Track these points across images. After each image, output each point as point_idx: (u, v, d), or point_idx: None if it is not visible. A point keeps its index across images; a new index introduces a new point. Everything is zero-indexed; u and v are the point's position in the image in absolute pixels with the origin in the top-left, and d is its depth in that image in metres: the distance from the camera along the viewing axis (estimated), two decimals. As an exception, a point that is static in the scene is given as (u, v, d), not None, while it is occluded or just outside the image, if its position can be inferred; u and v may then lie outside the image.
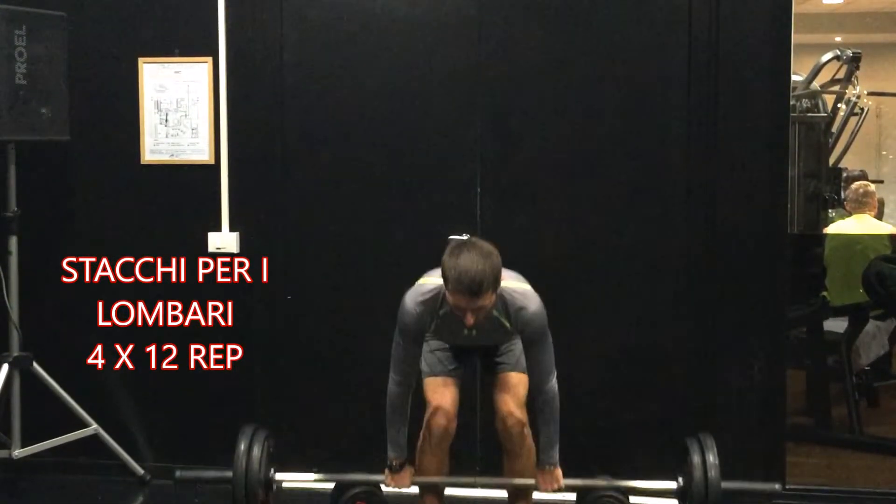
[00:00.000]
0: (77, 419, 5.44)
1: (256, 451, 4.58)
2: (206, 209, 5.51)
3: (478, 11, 5.32)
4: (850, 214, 6.57)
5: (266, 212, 5.52)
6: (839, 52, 6.79)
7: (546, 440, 4.43)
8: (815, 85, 6.80)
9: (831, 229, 6.49)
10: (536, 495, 4.66)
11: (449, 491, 4.73)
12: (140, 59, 5.53)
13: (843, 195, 6.72)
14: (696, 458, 4.50)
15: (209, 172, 5.50)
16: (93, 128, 5.55)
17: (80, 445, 5.47)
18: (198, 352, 5.59)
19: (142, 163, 5.57)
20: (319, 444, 5.55)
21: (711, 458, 4.48)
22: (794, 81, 5.65)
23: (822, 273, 6.20)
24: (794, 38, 5.09)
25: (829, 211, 6.66)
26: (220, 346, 5.56)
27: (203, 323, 5.58)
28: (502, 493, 4.78)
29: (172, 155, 5.54)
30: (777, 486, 4.78)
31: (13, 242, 5.34)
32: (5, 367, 5.27)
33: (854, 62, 6.75)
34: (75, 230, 5.67)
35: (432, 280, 4.28)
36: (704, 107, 5.18)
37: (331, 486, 4.92)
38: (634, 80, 5.28)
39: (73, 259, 5.67)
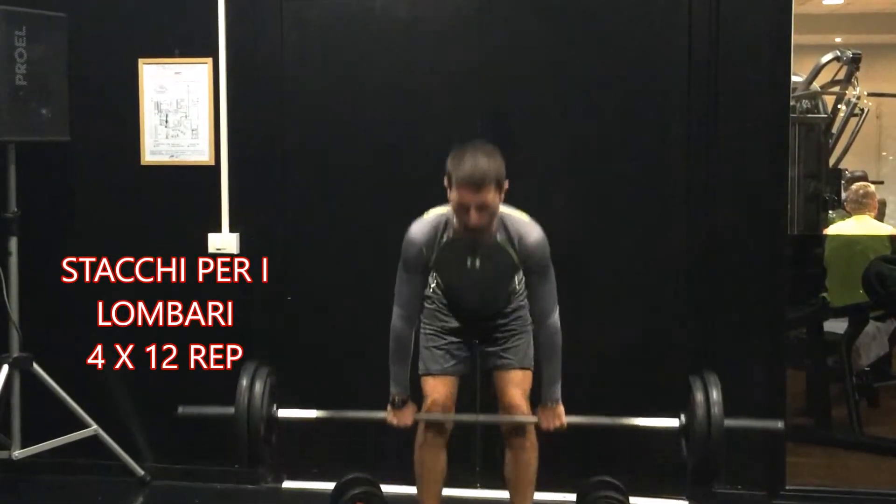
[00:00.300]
0: (77, 420, 5.44)
1: (258, 388, 4.53)
2: (206, 210, 5.51)
3: (478, 12, 5.32)
4: (850, 215, 6.59)
5: (266, 213, 5.52)
6: (839, 53, 6.82)
7: (548, 376, 4.41)
8: (816, 86, 6.83)
9: (831, 230, 6.51)
10: (537, 496, 4.65)
11: (448, 492, 4.72)
12: (140, 60, 5.53)
13: (843, 196, 6.74)
14: (699, 396, 4.39)
15: (209, 173, 5.50)
16: (93, 128, 5.55)
17: (79, 446, 5.46)
18: (198, 352, 5.60)
19: (142, 163, 5.57)
20: (320, 444, 5.55)
21: (715, 394, 4.35)
22: (795, 82, 5.67)
23: (822, 274, 6.23)
24: (795, 38, 5.09)
25: (830, 212, 6.68)
26: (220, 346, 5.56)
27: (203, 323, 5.58)
28: (503, 495, 4.77)
29: (172, 156, 5.54)
30: (780, 424, 4.65)
31: (13, 243, 5.33)
32: (5, 367, 5.27)
33: (854, 63, 6.77)
34: (75, 231, 5.67)
35: (436, 210, 4.31)
36: (704, 107, 5.18)
37: (330, 486, 4.92)
38: (634, 80, 5.29)
39: (73, 260, 5.67)
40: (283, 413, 4.67)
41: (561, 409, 4.42)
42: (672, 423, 4.57)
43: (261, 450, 4.58)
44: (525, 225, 4.24)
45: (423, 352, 4.55)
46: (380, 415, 4.52)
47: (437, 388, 4.49)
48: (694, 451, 4.44)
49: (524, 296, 4.52)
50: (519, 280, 4.48)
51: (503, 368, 4.52)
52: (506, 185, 4.11)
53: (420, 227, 4.28)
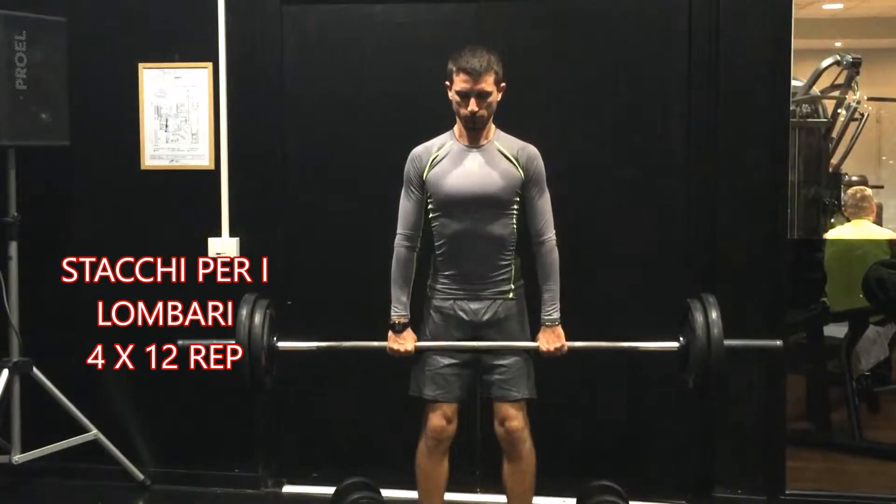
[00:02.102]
0: (77, 424, 5.45)
1: (258, 318, 4.53)
2: (206, 214, 5.51)
3: (477, 17, 5.32)
4: (849, 220, 6.58)
5: (266, 217, 5.52)
6: (839, 58, 6.81)
7: (547, 296, 4.49)
8: (815, 90, 6.82)
9: (830, 235, 6.50)
10: (538, 500, 4.65)
11: (448, 496, 4.72)
12: (140, 65, 5.53)
13: (843, 200, 6.73)
14: (699, 316, 4.39)
15: (209, 178, 5.50)
16: (93, 133, 5.55)
17: (79, 450, 5.47)
18: (197, 352, 5.59)
19: (142, 168, 5.57)
20: (321, 445, 5.56)
21: (714, 315, 4.36)
22: (794, 87, 5.67)
23: (822, 278, 6.22)
24: (794, 43, 5.09)
25: (831, 219, 6.67)
26: (220, 347, 5.56)
27: (203, 324, 5.58)
28: (503, 499, 4.76)
29: (172, 160, 5.54)
30: (779, 343, 4.63)
31: (13, 248, 5.34)
32: (5, 372, 5.27)
33: (854, 67, 6.77)
34: (75, 235, 5.67)
35: None
36: (704, 111, 5.19)
37: (331, 491, 4.93)
38: (634, 85, 5.29)
39: (73, 264, 5.67)
40: (283, 344, 4.68)
41: (560, 330, 4.49)
42: (671, 345, 4.59)
43: (262, 378, 4.56)
44: (520, 141, 4.49)
45: (421, 373, 4.54)
46: (380, 344, 4.56)
47: (438, 412, 4.50)
48: (694, 372, 4.44)
49: (521, 289, 4.55)
50: (513, 265, 4.49)
51: (502, 400, 4.51)
52: (504, 84, 4.38)
53: (420, 145, 4.55)
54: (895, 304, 6.13)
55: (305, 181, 5.52)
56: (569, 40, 5.33)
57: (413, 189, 4.50)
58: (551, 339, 4.46)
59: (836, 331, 6.28)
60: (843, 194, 6.85)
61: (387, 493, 5.00)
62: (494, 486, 5.00)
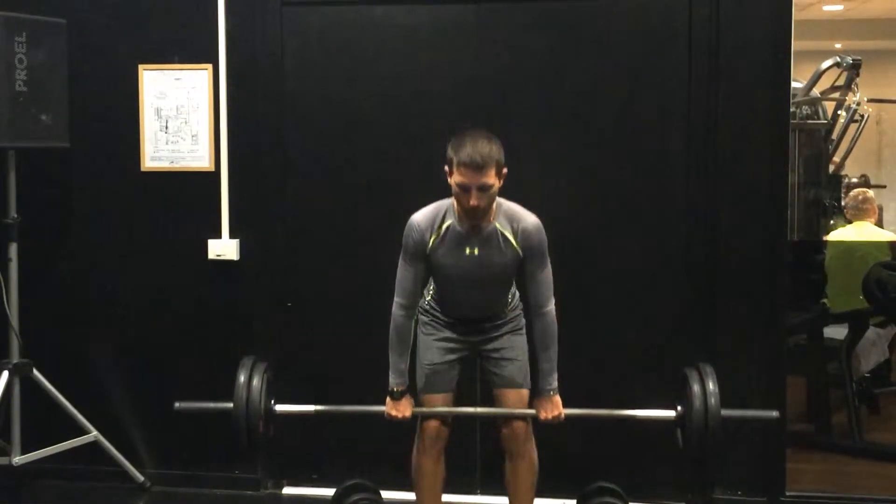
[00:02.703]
0: (77, 426, 5.44)
1: (256, 383, 4.54)
2: (206, 216, 5.51)
3: (476, 19, 5.33)
4: (849, 222, 6.58)
5: (266, 219, 5.52)
6: (839, 59, 6.81)
7: (545, 366, 4.45)
8: (815, 92, 6.82)
9: (831, 236, 6.50)
10: (538, 501, 4.64)
11: (448, 498, 4.72)
12: (140, 66, 5.53)
13: (843, 202, 6.73)
14: (696, 387, 4.42)
15: (209, 179, 5.51)
16: (93, 134, 5.56)
17: (79, 452, 5.47)
18: (199, 357, 5.60)
19: (142, 169, 5.57)
20: (321, 451, 5.56)
21: (711, 385, 4.39)
22: (795, 88, 5.67)
23: (822, 280, 6.22)
24: (794, 44, 5.09)
25: (831, 221, 6.67)
26: (221, 352, 5.57)
27: (204, 328, 5.59)
28: (503, 501, 4.76)
29: (172, 162, 5.54)
30: (775, 414, 4.68)
31: (13, 249, 5.34)
32: (5, 373, 5.27)
33: (854, 69, 6.77)
34: (75, 237, 5.67)
35: (437, 202, 4.40)
36: (704, 113, 5.18)
37: (331, 492, 4.94)
38: (634, 87, 5.29)
39: (73, 266, 5.67)
40: (281, 408, 4.70)
41: (558, 399, 4.46)
42: (668, 413, 4.61)
43: (259, 444, 4.59)
44: (522, 212, 4.35)
45: (418, 371, 4.56)
46: (378, 408, 4.54)
47: (436, 401, 4.51)
48: (691, 442, 4.46)
49: (518, 310, 4.56)
50: (513, 294, 4.52)
51: (503, 387, 4.53)
52: (505, 170, 4.23)
53: (421, 215, 4.36)
54: (895, 306, 6.13)
55: (306, 182, 5.52)
56: (568, 42, 5.32)
57: (413, 261, 4.40)
58: (549, 408, 4.45)
59: (836, 332, 6.28)
60: (843, 196, 6.86)
61: (386, 494, 5.01)
62: (494, 487, 5.00)
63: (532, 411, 4.46)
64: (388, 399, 4.50)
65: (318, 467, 5.59)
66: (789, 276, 5.31)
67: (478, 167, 4.08)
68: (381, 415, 4.52)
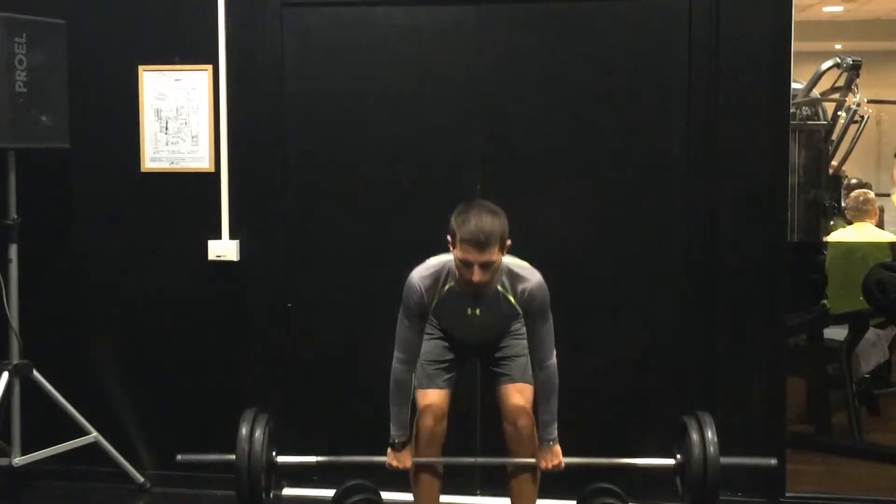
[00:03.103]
0: (77, 427, 5.44)
1: (258, 435, 4.57)
2: (206, 217, 5.51)
3: (476, 20, 5.33)
4: (850, 222, 6.57)
5: (266, 220, 5.52)
6: (839, 60, 6.80)
7: (546, 417, 4.45)
8: (815, 93, 6.81)
9: (832, 237, 6.50)
10: (538, 503, 4.65)
11: (448, 498, 4.73)
12: (140, 67, 5.53)
13: (843, 203, 6.72)
14: (695, 435, 4.46)
15: (209, 180, 5.51)
16: (93, 135, 5.56)
17: (79, 453, 5.47)
18: (199, 358, 5.60)
19: (142, 170, 5.57)
20: (321, 453, 5.55)
21: (710, 434, 4.45)
22: (794, 89, 5.66)
23: (822, 280, 6.21)
24: (794, 45, 5.09)
25: (831, 222, 6.66)
26: (221, 353, 5.57)
27: (204, 328, 5.59)
28: (503, 501, 4.76)
29: (172, 163, 5.54)
30: (773, 461, 4.75)
31: (13, 250, 5.34)
32: (5, 374, 5.26)
33: (854, 70, 6.76)
34: (75, 238, 5.67)
35: (439, 258, 4.35)
36: (705, 114, 5.18)
37: (331, 493, 4.93)
38: (634, 88, 5.29)
39: (73, 266, 5.67)
40: (283, 459, 4.75)
41: (558, 448, 4.48)
42: (668, 462, 4.69)
43: (261, 497, 4.62)
44: (525, 273, 4.32)
45: (420, 368, 4.56)
46: (380, 459, 4.57)
47: (430, 399, 4.51)
48: (690, 490, 4.54)
49: (521, 320, 4.55)
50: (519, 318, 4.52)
51: (505, 382, 4.53)
52: (508, 242, 4.18)
53: (421, 275, 4.33)
54: (895, 307, 6.13)
55: (306, 183, 5.52)
56: (568, 42, 5.33)
57: (413, 320, 4.39)
58: (549, 458, 4.47)
59: (836, 333, 6.27)
60: (843, 197, 6.85)
61: (386, 495, 5.00)
62: (494, 487, 5.00)
63: (533, 461, 4.50)
64: (389, 449, 4.52)
65: (318, 468, 5.58)
66: (789, 277, 5.31)
67: (481, 245, 4.03)
68: (382, 465, 4.55)
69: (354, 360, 5.46)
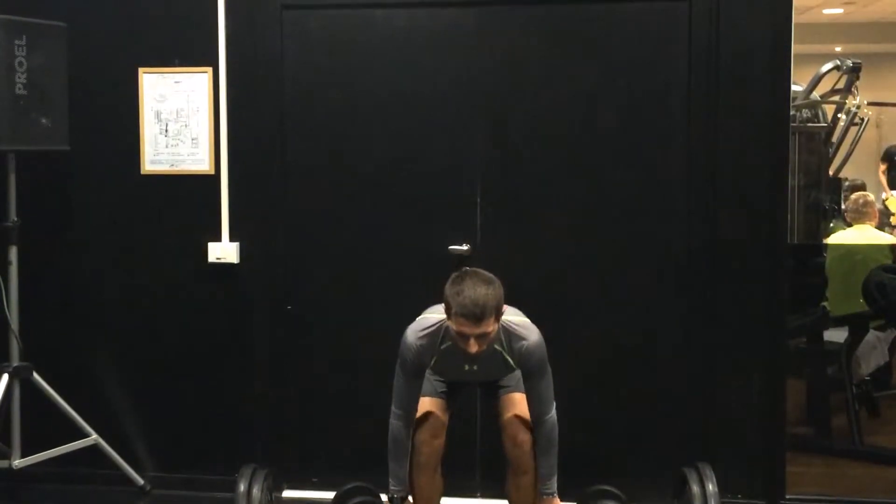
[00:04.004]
0: (77, 429, 5.44)
1: (256, 492, 4.67)
2: (206, 219, 5.51)
3: (476, 21, 5.33)
4: (850, 225, 6.57)
5: (266, 222, 5.52)
6: (839, 63, 6.81)
7: (545, 471, 4.47)
8: (815, 95, 6.81)
9: (832, 239, 6.49)
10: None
11: (448, 501, 4.73)
12: (140, 70, 5.53)
13: (843, 205, 6.72)
14: (696, 488, 4.51)
15: (209, 182, 5.51)
16: (93, 138, 5.56)
17: (79, 455, 5.47)
18: (198, 359, 5.59)
19: (142, 173, 5.57)
20: (321, 456, 5.55)
21: (710, 487, 4.51)
22: (794, 91, 5.66)
23: (822, 283, 6.21)
24: (794, 48, 5.09)
25: (831, 224, 6.66)
26: (221, 356, 5.56)
27: (204, 330, 5.59)
28: (502, 504, 4.78)
29: (172, 165, 5.54)
30: None
31: (13, 252, 5.34)
32: (5, 377, 5.27)
33: (854, 72, 6.77)
34: (75, 240, 5.67)
35: (434, 315, 4.33)
36: (705, 116, 5.18)
37: (331, 495, 4.93)
38: (634, 90, 5.29)
39: (73, 268, 5.67)
40: None
41: (557, 501, 4.50)
42: None
43: None
44: (523, 330, 4.32)
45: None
46: None
47: (430, 405, 4.52)
48: None
49: None
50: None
51: (503, 394, 4.54)
52: (504, 308, 4.18)
53: (418, 334, 4.33)
54: (895, 309, 6.12)
55: (306, 185, 5.52)
56: (568, 45, 5.33)
57: (411, 377, 4.39)
58: None
59: (836, 336, 6.27)
60: (843, 199, 6.85)
61: (386, 497, 5.00)
62: (494, 491, 5.00)
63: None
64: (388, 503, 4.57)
65: (318, 470, 5.58)
66: (789, 279, 5.31)
67: (476, 319, 4.01)
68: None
69: (355, 362, 5.46)
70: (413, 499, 4.60)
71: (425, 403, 4.51)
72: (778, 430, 5.26)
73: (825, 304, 6.25)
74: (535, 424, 4.44)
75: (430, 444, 4.49)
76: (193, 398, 5.61)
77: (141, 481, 5.59)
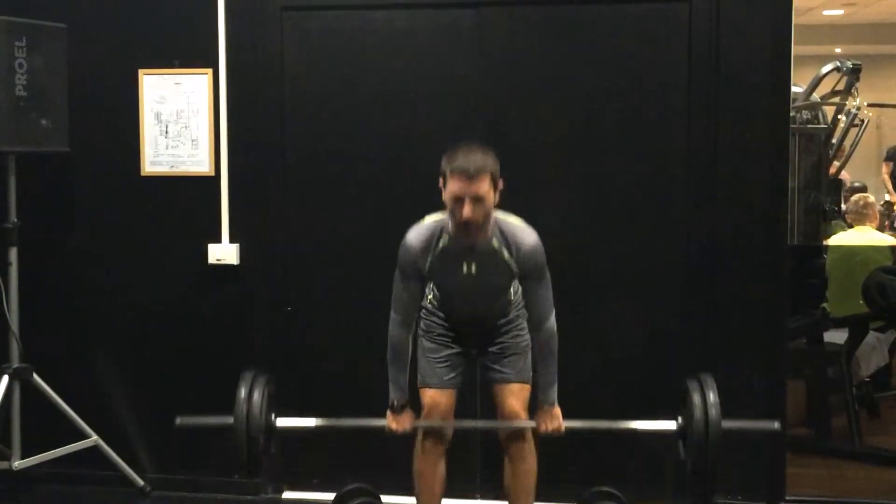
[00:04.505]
0: (77, 430, 5.44)
1: (257, 398, 4.51)
2: (206, 221, 5.51)
3: (477, 22, 5.33)
4: (850, 226, 6.58)
5: (266, 223, 5.52)
6: (839, 64, 6.82)
7: (544, 379, 4.43)
8: (816, 96, 6.82)
9: (832, 241, 6.50)
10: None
11: (448, 502, 4.72)
12: (140, 71, 5.53)
13: (843, 206, 6.73)
14: (697, 397, 4.40)
15: (209, 184, 5.51)
16: (93, 139, 5.56)
17: (80, 456, 5.46)
18: (198, 361, 5.60)
19: (142, 174, 5.57)
20: (321, 457, 5.55)
21: (712, 396, 4.36)
22: (795, 93, 5.67)
23: (822, 284, 6.22)
24: (795, 49, 5.09)
25: (831, 223, 6.67)
26: (221, 357, 5.57)
27: (204, 333, 5.59)
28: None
29: (172, 166, 5.54)
30: (776, 425, 4.67)
31: (13, 253, 5.34)
32: (5, 378, 5.26)
33: (854, 74, 6.78)
34: (75, 241, 5.67)
35: (433, 217, 4.33)
36: (705, 118, 5.18)
37: (331, 497, 4.93)
38: (635, 91, 5.29)
39: (73, 270, 5.67)
40: (282, 422, 4.67)
41: (558, 411, 4.44)
42: (669, 425, 4.58)
43: (260, 459, 4.58)
44: (521, 230, 4.27)
45: (422, 364, 4.54)
46: (379, 422, 4.52)
47: (436, 400, 4.48)
48: (692, 454, 4.45)
49: (521, 307, 4.52)
50: (515, 290, 4.47)
51: (502, 382, 4.51)
52: (500, 183, 4.16)
53: (416, 233, 4.30)
54: (895, 311, 6.13)
55: (306, 187, 5.52)
56: (569, 47, 5.33)
57: (409, 280, 4.37)
58: (549, 421, 4.43)
59: (836, 337, 6.28)
60: (843, 200, 6.86)
61: (387, 499, 5.00)
62: (494, 491, 5.00)
63: (532, 423, 4.45)
64: (388, 412, 4.49)
65: (318, 472, 5.58)
66: (789, 281, 5.31)
67: (470, 176, 4.01)
68: (381, 429, 4.50)
69: (355, 363, 5.46)
70: (416, 488, 4.59)
71: (432, 395, 4.49)
72: (778, 431, 5.26)
73: (825, 305, 6.25)
74: (534, 331, 4.42)
75: (439, 430, 4.49)
76: (193, 400, 5.61)
77: (141, 482, 5.59)
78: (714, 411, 4.34)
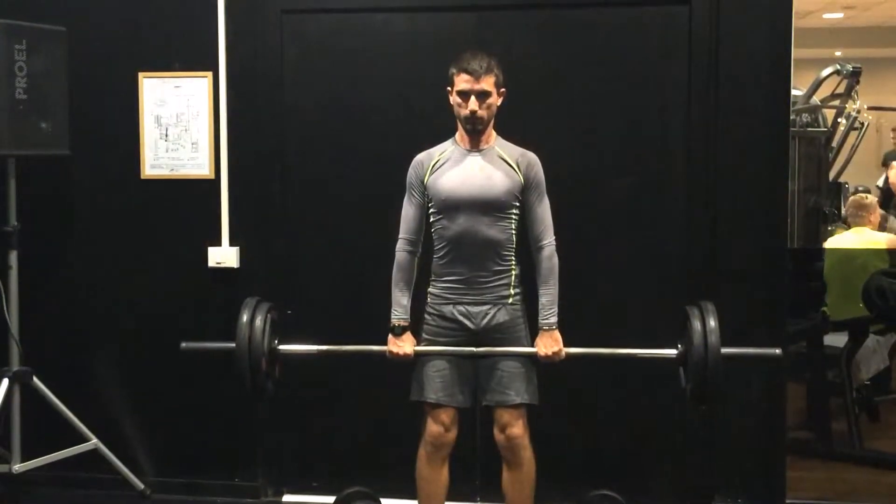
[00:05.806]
0: (77, 433, 5.44)
1: (259, 322, 4.53)
2: (206, 224, 5.51)
3: (477, 26, 5.33)
4: (849, 229, 6.57)
5: (266, 226, 5.53)
6: (839, 67, 6.81)
7: (545, 300, 4.50)
8: (815, 99, 6.81)
9: (829, 243, 6.49)
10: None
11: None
12: (140, 74, 5.54)
13: (843, 210, 6.72)
14: (696, 324, 4.39)
15: (209, 187, 5.51)
16: (93, 142, 5.56)
17: (80, 460, 5.47)
18: (198, 364, 5.59)
19: (142, 177, 5.58)
20: (321, 461, 5.56)
21: (712, 322, 4.36)
22: (794, 96, 5.66)
23: (822, 287, 6.20)
24: (794, 52, 5.09)
25: (830, 227, 6.66)
26: (221, 360, 5.56)
27: (204, 336, 5.58)
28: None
29: (172, 169, 5.54)
30: (778, 351, 4.63)
31: (13, 257, 5.34)
32: (5, 381, 5.27)
33: (854, 77, 6.77)
34: (75, 244, 5.67)
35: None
36: (705, 121, 5.19)
37: (331, 500, 4.94)
38: (634, 95, 5.29)
39: (73, 273, 5.67)
40: (285, 347, 4.69)
41: (558, 335, 4.48)
42: (670, 352, 4.58)
43: (263, 383, 4.57)
44: (520, 149, 4.53)
45: (423, 375, 4.52)
46: (380, 348, 4.56)
47: (439, 418, 4.49)
48: (692, 379, 4.44)
49: (520, 302, 4.52)
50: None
51: (501, 405, 4.49)
52: (504, 90, 4.45)
53: (422, 152, 4.59)
54: (895, 314, 6.12)
55: (306, 190, 5.52)
56: (569, 50, 5.33)
57: (415, 194, 4.55)
58: (548, 344, 4.45)
59: (836, 340, 6.27)
60: (843, 203, 6.85)
61: (387, 502, 5.00)
62: (494, 495, 4.99)
63: (533, 350, 4.47)
64: (389, 336, 4.53)
65: (318, 475, 5.58)
66: (789, 284, 5.31)
67: (476, 73, 4.33)
68: (382, 354, 4.53)
69: (356, 366, 5.45)
70: (418, 491, 4.59)
71: (435, 413, 4.48)
72: (778, 434, 5.26)
73: (825, 308, 6.24)
74: (534, 251, 4.52)
75: (444, 435, 4.49)
76: (193, 403, 5.61)
77: (141, 486, 5.59)
78: (714, 337, 4.34)
